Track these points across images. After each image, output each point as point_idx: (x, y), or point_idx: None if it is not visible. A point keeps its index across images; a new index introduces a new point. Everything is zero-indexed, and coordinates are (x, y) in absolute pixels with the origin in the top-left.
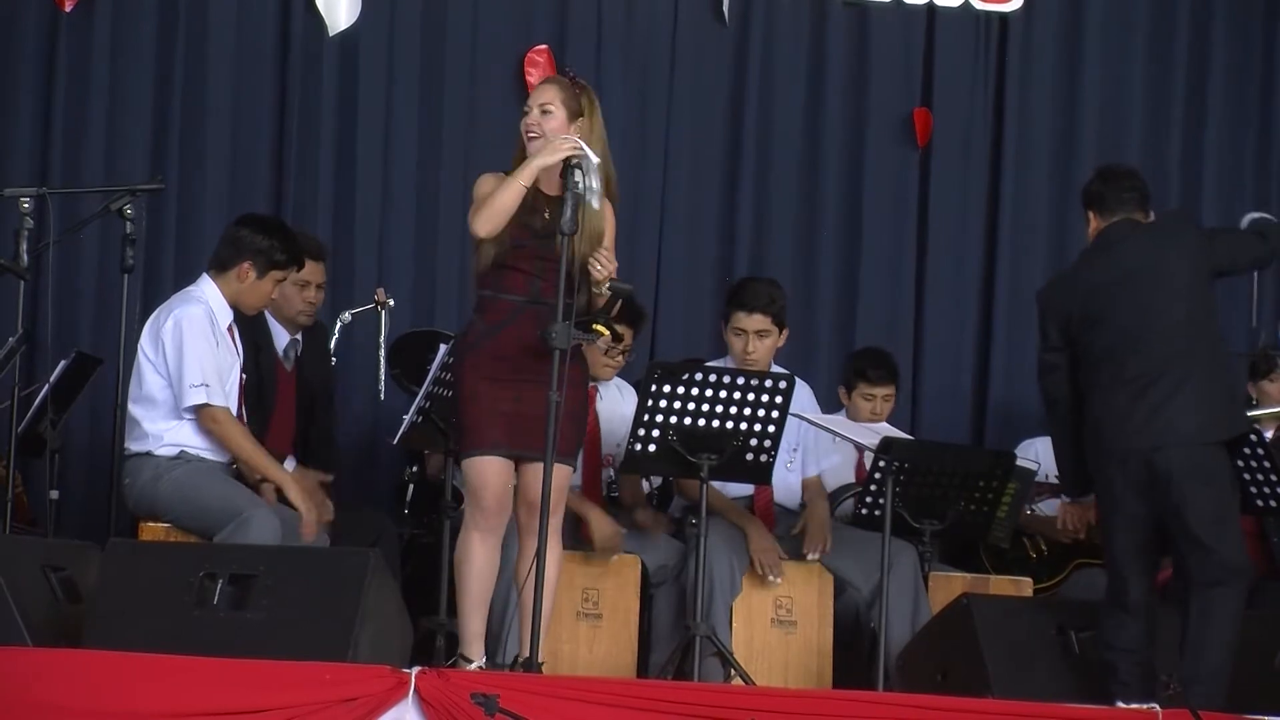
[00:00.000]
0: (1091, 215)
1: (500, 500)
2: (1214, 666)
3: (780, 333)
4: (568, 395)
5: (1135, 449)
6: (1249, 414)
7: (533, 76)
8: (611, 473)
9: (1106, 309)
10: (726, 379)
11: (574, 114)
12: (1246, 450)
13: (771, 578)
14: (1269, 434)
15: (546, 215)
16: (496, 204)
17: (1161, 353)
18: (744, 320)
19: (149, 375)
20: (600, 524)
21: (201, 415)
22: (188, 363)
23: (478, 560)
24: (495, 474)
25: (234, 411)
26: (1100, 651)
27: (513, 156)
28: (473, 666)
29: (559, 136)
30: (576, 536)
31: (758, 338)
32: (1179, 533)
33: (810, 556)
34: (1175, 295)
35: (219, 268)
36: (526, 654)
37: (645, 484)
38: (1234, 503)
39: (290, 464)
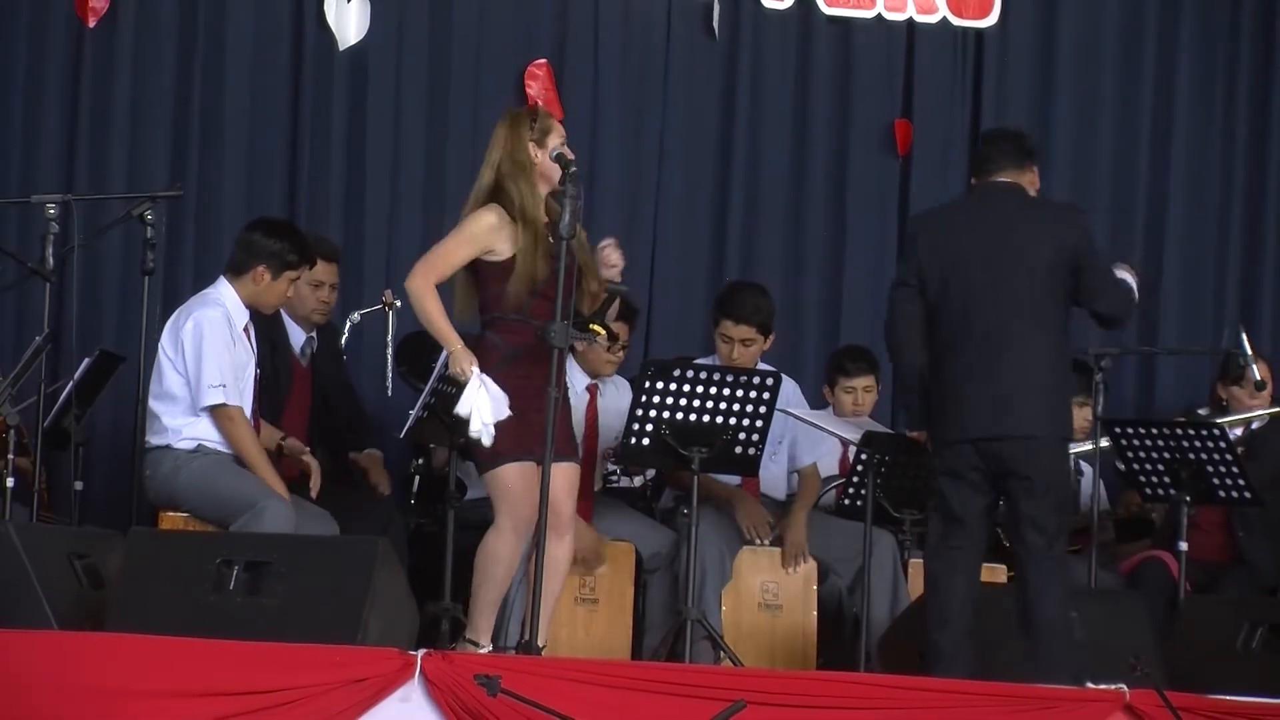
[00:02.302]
0: (974, 180)
1: (535, 504)
2: (1055, 634)
3: (766, 339)
4: (562, 397)
5: (981, 434)
6: (1221, 420)
7: (532, 89)
8: (609, 465)
9: (961, 265)
10: (717, 376)
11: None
12: (1210, 444)
13: (760, 541)
14: (1237, 432)
15: (550, 239)
16: (430, 324)
17: (1013, 334)
18: (731, 329)
19: (169, 373)
20: (583, 534)
21: (217, 414)
22: (206, 364)
23: (509, 562)
24: (532, 479)
25: (249, 407)
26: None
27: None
28: (481, 651)
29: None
30: None
31: (743, 345)
32: (1013, 513)
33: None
34: (1034, 276)
35: (235, 271)
36: (527, 637)
37: (640, 477)
38: (1068, 493)
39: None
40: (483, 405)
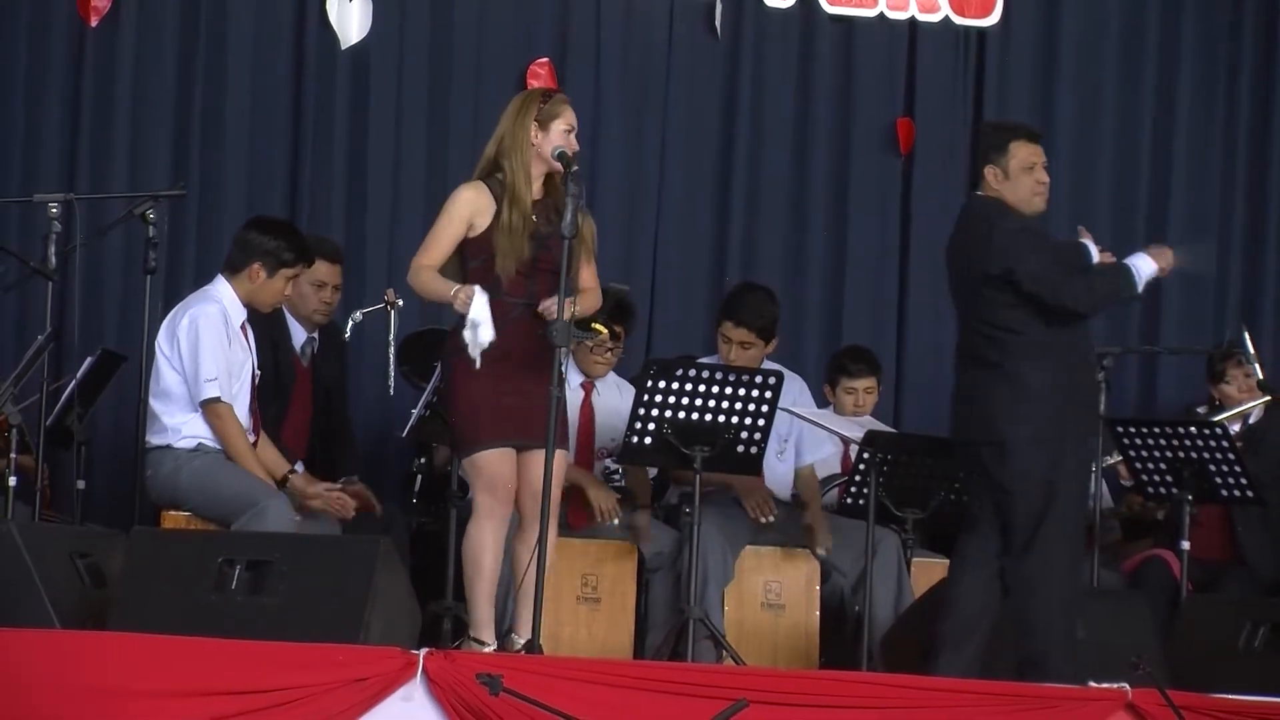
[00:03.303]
0: None
1: (511, 489)
2: (1050, 639)
3: (767, 344)
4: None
5: (965, 438)
6: (1215, 419)
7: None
8: (609, 464)
9: (951, 282)
10: (719, 375)
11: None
12: (1213, 442)
13: (765, 519)
14: (1235, 427)
15: (534, 218)
16: (429, 292)
17: (981, 348)
18: (730, 330)
19: (166, 371)
20: (598, 494)
21: (207, 409)
22: (203, 359)
23: (491, 549)
24: (506, 465)
25: (245, 406)
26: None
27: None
28: (487, 649)
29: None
30: (565, 522)
31: (741, 348)
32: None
33: (820, 552)
34: (981, 292)
35: (231, 269)
36: (528, 636)
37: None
38: (1053, 497)
39: (299, 467)
40: (485, 317)
